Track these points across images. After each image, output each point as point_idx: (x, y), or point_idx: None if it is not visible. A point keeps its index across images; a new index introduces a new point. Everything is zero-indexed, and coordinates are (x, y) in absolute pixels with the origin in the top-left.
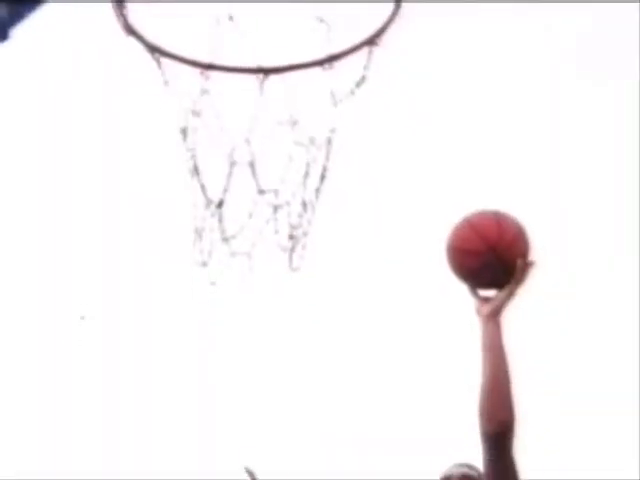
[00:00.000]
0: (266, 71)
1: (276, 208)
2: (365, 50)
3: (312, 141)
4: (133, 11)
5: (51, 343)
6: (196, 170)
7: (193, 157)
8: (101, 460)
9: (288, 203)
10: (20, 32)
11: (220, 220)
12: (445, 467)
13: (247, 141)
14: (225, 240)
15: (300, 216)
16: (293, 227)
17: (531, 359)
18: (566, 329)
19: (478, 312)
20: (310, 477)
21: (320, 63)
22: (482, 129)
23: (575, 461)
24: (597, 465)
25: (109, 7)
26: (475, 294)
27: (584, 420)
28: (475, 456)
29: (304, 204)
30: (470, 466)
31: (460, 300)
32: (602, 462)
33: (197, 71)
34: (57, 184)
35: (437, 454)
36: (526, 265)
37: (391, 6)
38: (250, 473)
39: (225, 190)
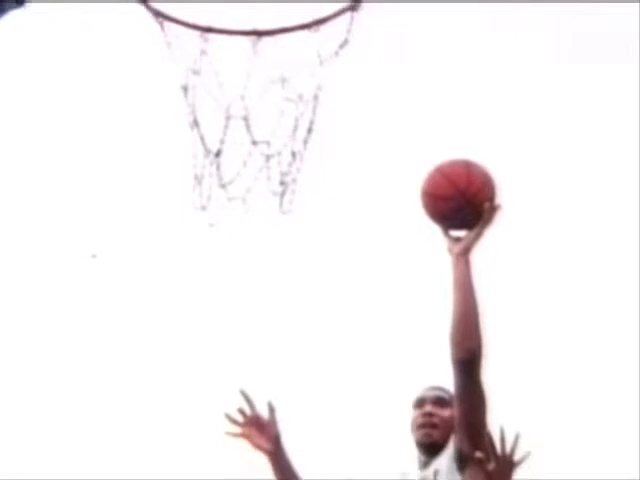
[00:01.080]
0: (259, 34)
1: (268, 157)
2: (348, 15)
3: (300, 97)
4: None
5: (63, 280)
6: (196, 123)
7: (193, 111)
8: (108, 390)
9: (279, 153)
10: None
11: (218, 168)
12: (419, 390)
13: (242, 97)
14: (222, 186)
15: (290, 165)
16: (283, 174)
17: (499, 293)
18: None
19: (450, 251)
20: (302, 399)
21: (308, 27)
22: (457, 88)
23: (541, 387)
24: (565, 389)
25: None
26: (447, 235)
27: (551, 348)
28: (446, 380)
29: (293, 154)
30: (442, 389)
31: (434, 241)
32: (568, 386)
33: (197, 34)
34: (72, 130)
35: (413, 378)
36: (493, 208)
37: None
38: (246, 397)
39: (222, 141)
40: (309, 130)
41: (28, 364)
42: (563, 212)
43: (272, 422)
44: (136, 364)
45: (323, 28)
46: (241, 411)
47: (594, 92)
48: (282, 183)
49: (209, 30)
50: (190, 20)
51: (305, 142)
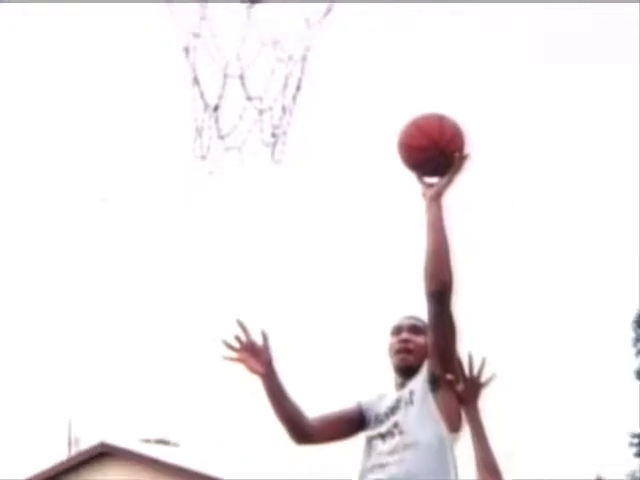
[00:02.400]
0: (253, 0)
1: (261, 112)
2: None
3: (290, 58)
4: None
5: (73, 224)
6: (196, 81)
7: (194, 70)
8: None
9: (271, 108)
10: None
11: (216, 121)
12: (396, 319)
13: (237, 57)
14: (220, 137)
15: (281, 118)
16: (275, 127)
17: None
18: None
19: (424, 195)
20: (292, 327)
21: None
22: (439, 49)
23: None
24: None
25: None
26: (421, 181)
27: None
28: (421, 310)
29: (284, 109)
30: (417, 318)
31: (410, 188)
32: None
33: (197, 1)
34: (89, 84)
35: (390, 309)
36: (462, 157)
37: None
38: (242, 326)
39: (220, 97)
40: (298, 87)
41: (43, 299)
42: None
43: (265, 348)
44: (144, 299)
45: None
46: (237, 338)
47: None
48: (274, 135)
49: None
50: None
51: (294, 98)
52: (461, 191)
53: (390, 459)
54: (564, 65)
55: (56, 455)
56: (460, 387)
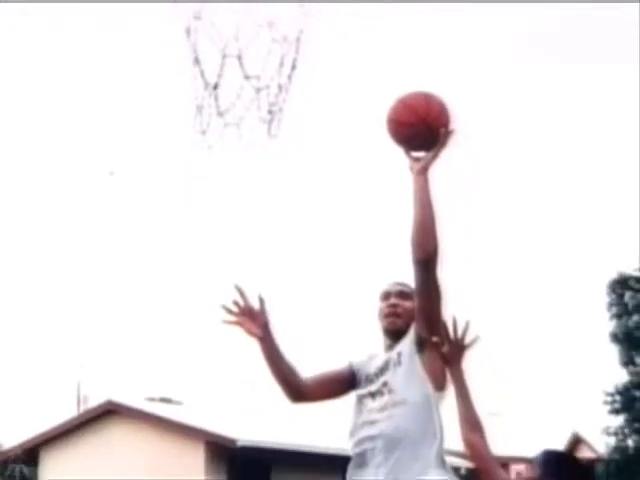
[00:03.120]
0: None
1: (258, 90)
2: None
3: (285, 39)
4: None
5: (85, 193)
6: (197, 60)
7: (195, 51)
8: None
9: (267, 86)
10: None
11: (215, 99)
12: (385, 285)
13: (236, 38)
14: (219, 114)
15: (276, 96)
16: (271, 104)
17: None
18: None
19: (411, 169)
20: (287, 293)
21: None
22: (429, 30)
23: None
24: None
25: None
26: (409, 155)
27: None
28: (408, 277)
29: (279, 87)
30: (404, 284)
31: (398, 161)
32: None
33: None
34: (98, 63)
35: (380, 276)
36: (447, 133)
37: None
38: (240, 291)
39: (219, 76)
40: (293, 67)
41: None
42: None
43: (262, 312)
44: (149, 266)
45: None
46: (236, 303)
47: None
48: (270, 112)
49: None
50: None
51: (289, 77)
52: (446, 165)
53: (380, 416)
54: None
55: (66, 413)
56: (445, 349)
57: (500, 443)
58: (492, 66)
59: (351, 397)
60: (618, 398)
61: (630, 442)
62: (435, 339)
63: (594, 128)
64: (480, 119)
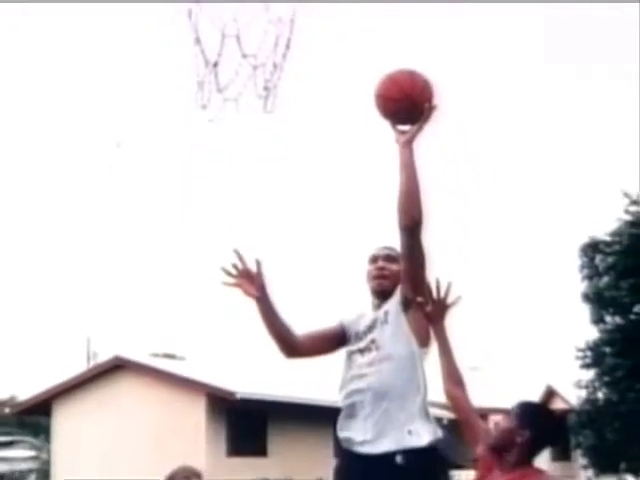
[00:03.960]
0: None
1: (255, 68)
2: None
3: (280, 20)
4: None
5: (94, 162)
6: (198, 40)
7: (196, 31)
8: (130, 252)
9: (264, 64)
10: None
11: (215, 76)
12: (373, 249)
13: (234, 20)
14: (219, 90)
15: (272, 74)
16: (267, 81)
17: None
18: None
19: (397, 141)
20: (283, 256)
21: None
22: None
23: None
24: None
25: None
26: (395, 128)
27: None
28: (394, 241)
29: (275, 65)
30: (391, 248)
31: (385, 135)
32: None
33: None
34: (108, 42)
35: (369, 240)
36: (431, 108)
37: None
38: (239, 255)
39: (219, 54)
40: (287, 46)
41: (67, 228)
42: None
43: (259, 274)
44: (155, 229)
45: None
46: (235, 266)
47: None
48: (266, 88)
49: None
50: None
51: (284, 56)
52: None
53: (368, 370)
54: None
55: (77, 368)
56: (429, 308)
57: (479, 396)
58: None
59: (341, 353)
60: (589, 354)
61: (600, 394)
62: (419, 299)
63: (568, 101)
64: (462, 94)
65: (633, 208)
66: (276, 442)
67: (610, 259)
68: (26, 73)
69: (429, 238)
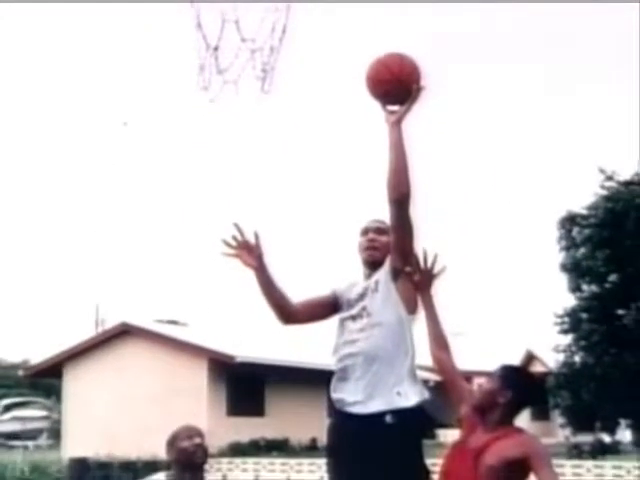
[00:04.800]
0: None
1: (253, 51)
2: None
3: (276, 7)
4: None
5: (102, 141)
6: (199, 25)
7: (198, 16)
8: (136, 224)
9: (261, 48)
10: None
11: (216, 59)
12: (364, 222)
13: (233, 7)
14: (219, 72)
15: (269, 57)
16: (264, 64)
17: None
18: None
19: (387, 121)
20: (280, 230)
21: None
22: None
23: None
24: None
25: None
26: (385, 109)
27: None
28: (384, 214)
29: (272, 49)
30: (381, 221)
31: (375, 115)
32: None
33: None
34: (115, 28)
35: (360, 213)
36: (419, 89)
37: None
38: (238, 228)
39: (219, 38)
40: (283, 31)
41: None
42: None
43: (257, 246)
44: (160, 204)
45: None
46: (234, 238)
47: None
48: (263, 70)
49: None
50: None
51: (280, 40)
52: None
53: (359, 336)
54: None
55: (86, 333)
56: (416, 277)
57: (463, 359)
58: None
59: (334, 320)
60: (566, 320)
61: (577, 358)
62: (408, 269)
63: (549, 82)
64: (449, 75)
65: (608, 184)
66: (273, 403)
67: (587, 231)
68: (38, 59)
69: (417, 211)
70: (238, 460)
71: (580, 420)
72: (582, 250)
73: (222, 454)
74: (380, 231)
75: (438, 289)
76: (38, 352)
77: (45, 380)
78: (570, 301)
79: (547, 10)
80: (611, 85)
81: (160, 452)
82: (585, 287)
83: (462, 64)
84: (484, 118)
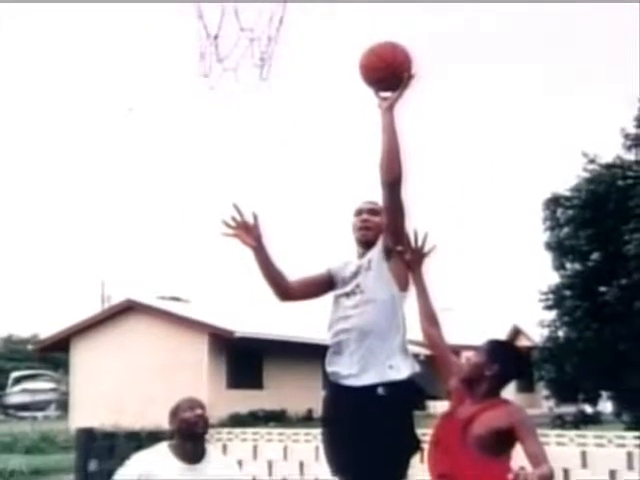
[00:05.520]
0: None
1: (252, 40)
2: None
3: None
4: None
5: (108, 126)
6: (200, 15)
7: (199, 7)
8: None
9: (259, 37)
10: None
11: (216, 47)
12: (358, 203)
13: None
14: (219, 60)
15: (267, 45)
16: (262, 52)
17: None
18: None
19: (379, 107)
20: (277, 211)
21: None
22: None
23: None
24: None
25: None
26: (377, 95)
27: None
28: (377, 196)
29: (269, 38)
30: (374, 202)
31: (368, 101)
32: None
33: None
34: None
35: (355, 194)
36: (410, 77)
37: None
38: (237, 209)
39: (219, 27)
40: (280, 21)
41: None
42: None
43: (256, 226)
44: (164, 186)
45: None
46: (234, 218)
47: None
48: (262, 59)
49: None
50: None
51: (277, 30)
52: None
53: (353, 312)
54: None
55: (92, 309)
56: (408, 256)
57: (452, 334)
58: None
59: (329, 297)
60: (551, 296)
61: (560, 333)
62: (399, 248)
63: (536, 68)
64: (439, 63)
65: (591, 166)
66: (271, 376)
67: (570, 212)
68: (47, 46)
69: (408, 193)
70: (237, 430)
71: (563, 392)
72: (566, 230)
73: (222, 425)
74: (373, 212)
75: (428, 267)
76: (47, 327)
77: (53, 354)
78: (554, 278)
79: None
80: (596, 75)
81: (163, 422)
82: (568, 265)
83: (451, 53)
84: (474, 105)
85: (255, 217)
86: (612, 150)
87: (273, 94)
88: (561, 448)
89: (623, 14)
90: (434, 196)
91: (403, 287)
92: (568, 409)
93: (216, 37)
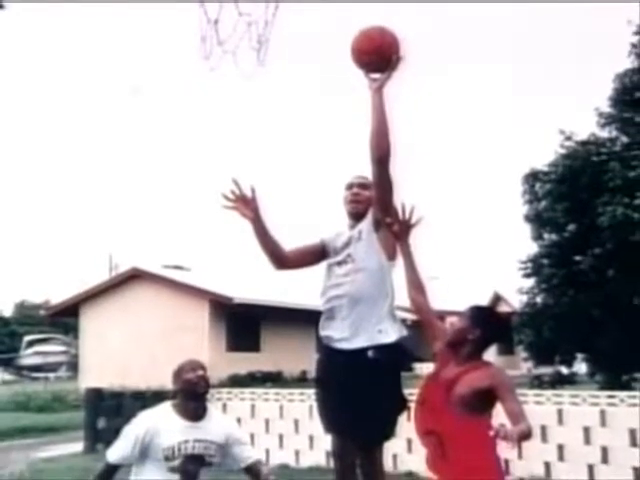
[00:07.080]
0: None
1: (250, 24)
2: None
3: None
4: None
5: (107, 112)
6: (202, 1)
7: None
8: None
9: (256, 21)
10: None
11: (216, 31)
12: (349, 177)
13: None
14: (219, 44)
15: (264, 29)
16: (260, 36)
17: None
18: None
19: (370, 87)
20: (273, 185)
21: None
22: None
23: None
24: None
25: None
26: (368, 77)
27: None
28: (367, 171)
29: (266, 22)
30: (364, 177)
31: (360, 83)
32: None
33: None
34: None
35: (346, 169)
36: (398, 59)
37: None
38: (236, 183)
39: (219, 13)
40: (276, 6)
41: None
42: None
43: (253, 199)
44: (167, 162)
45: None
46: (232, 192)
47: None
48: (259, 42)
49: None
50: None
51: (273, 15)
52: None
53: (344, 280)
54: None
55: (100, 277)
56: (396, 228)
57: (437, 300)
58: None
59: (323, 265)
60: (529, 265)
61: (538, 299)
62: (388, 220)
63: (517, 48)
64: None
65: (567, 143)
66: (267, 340)
67: (548, 186)
68: (56, 33)
69: (396, 168)
70: (236, 390)
71: (541, 354)
72: (544, 203)
73: (222, 385)
74: (363, 186)
75: (415, 238)
76: (58, 294)
77: (64, 319)
78: (533, 248)
79: None
80: (577, 54)
81: (167, 383)
82: (546, 236)
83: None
84: (458, 87)
85: (253, 191)
86: (587, 128)
87: (270, 75)
88: (539, 407)
89: None
90: (421, 172)
91: (391, 257)
92: (545, 370)
93: (216, 21)
